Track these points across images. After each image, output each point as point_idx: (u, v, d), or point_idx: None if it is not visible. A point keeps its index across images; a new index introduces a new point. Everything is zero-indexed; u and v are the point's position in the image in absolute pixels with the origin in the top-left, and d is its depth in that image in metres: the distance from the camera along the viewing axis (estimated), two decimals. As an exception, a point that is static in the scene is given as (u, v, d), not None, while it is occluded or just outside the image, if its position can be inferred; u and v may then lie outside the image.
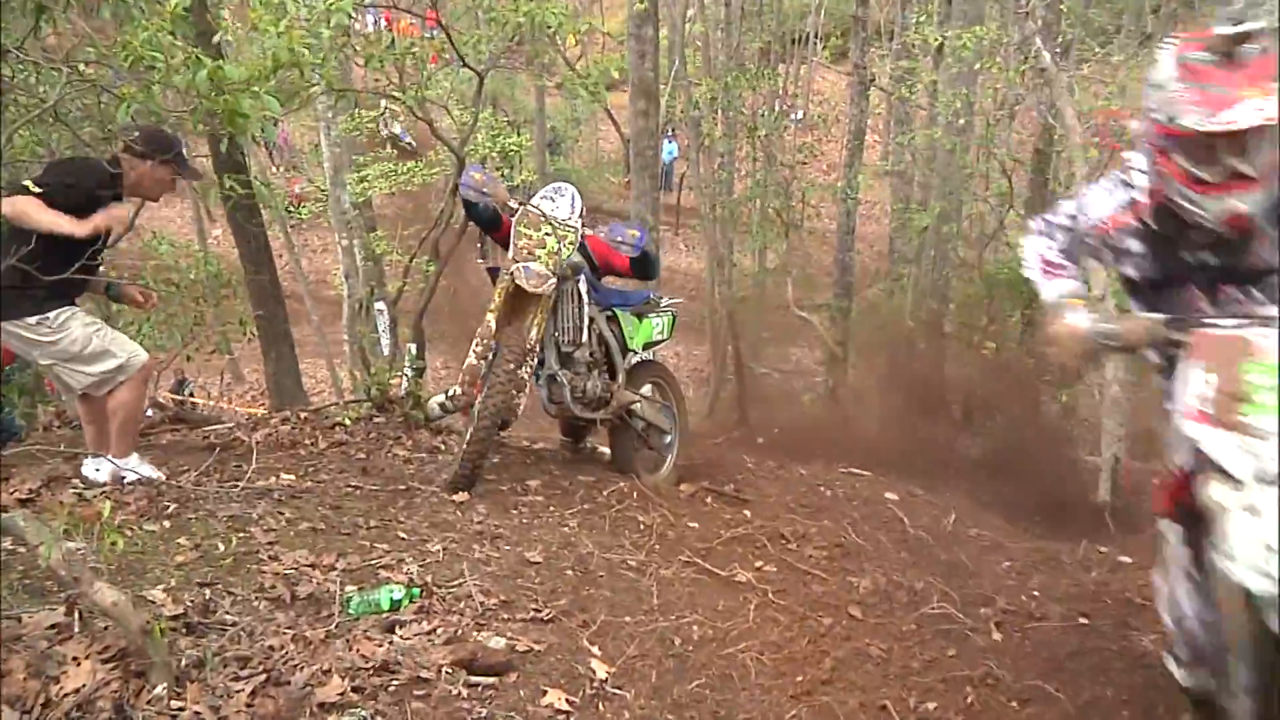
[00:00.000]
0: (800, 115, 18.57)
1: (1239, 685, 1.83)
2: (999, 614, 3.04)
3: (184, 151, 3.19)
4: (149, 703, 1.75)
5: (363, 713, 1.86)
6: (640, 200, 6.88)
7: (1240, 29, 1.77)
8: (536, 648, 2.26)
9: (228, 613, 2.16)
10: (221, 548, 2.54)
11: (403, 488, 3.42)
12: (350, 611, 2.31)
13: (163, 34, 2.15)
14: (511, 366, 3.43)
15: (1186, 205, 1.87)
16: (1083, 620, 3.04)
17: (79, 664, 1.79)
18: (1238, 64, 1.75)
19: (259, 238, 5.66)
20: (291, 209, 12.05)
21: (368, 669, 2.00)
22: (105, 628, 1.88)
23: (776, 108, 14.32)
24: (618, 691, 2.22)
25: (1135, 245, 2.11)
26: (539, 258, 3.59)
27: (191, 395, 10.06)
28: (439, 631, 2.24)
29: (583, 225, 3.77)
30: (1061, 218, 2.31)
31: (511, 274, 3.56)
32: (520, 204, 3.73)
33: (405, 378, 4.71)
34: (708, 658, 2.54)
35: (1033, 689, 2.56)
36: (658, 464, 4.30)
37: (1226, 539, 1.70)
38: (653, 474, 4.17)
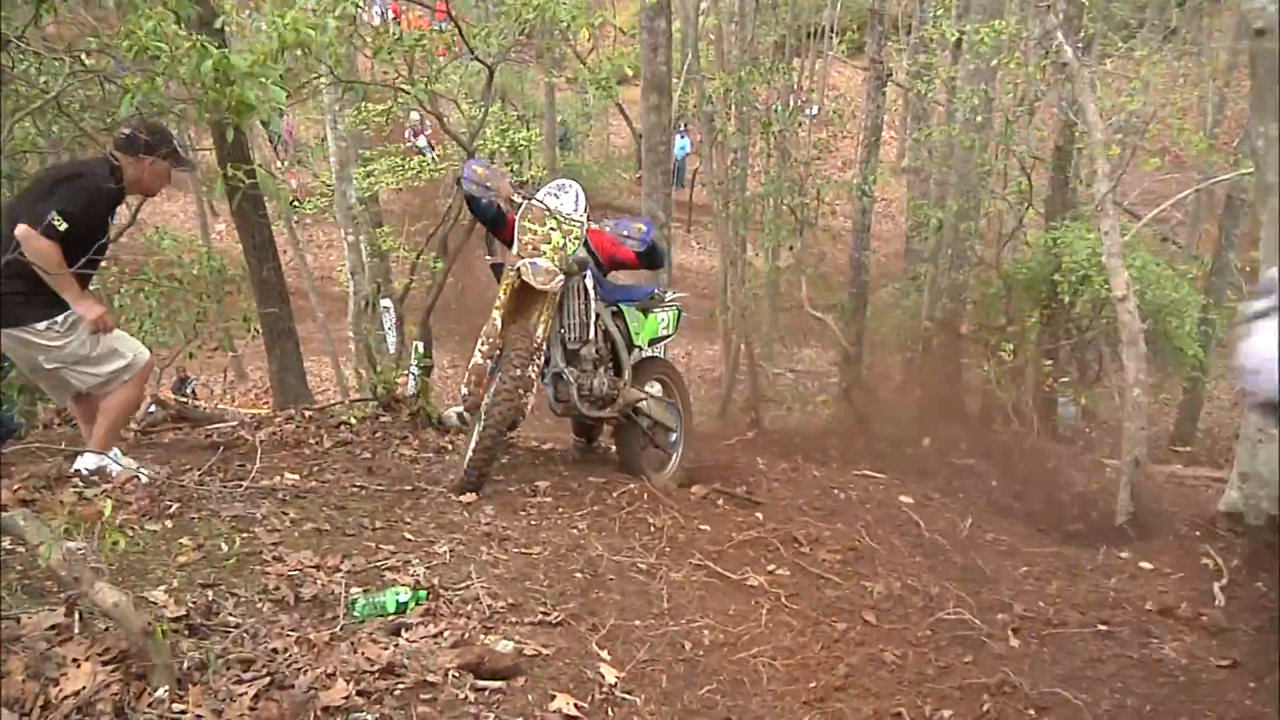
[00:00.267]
0: (815, 111, 18.41)
1: None
2: (1016, 620, 3.01)
3: (178, 144, 3.17)
4: (150, 705, 1.72)
5: (368, 717, 1.83)
6: (652, 197, 6.82)
7: None
8: (545, 651, 2.23)
9: (231, 614, 2.14)
10: (225, 548, 2.51)
11: (409, 488, 3.39)
12: (355, 614, 2.28)
13: (167, 23, 2.12)
14: (519, 370, 3.37)
15: None
16: (1102, 627, 3.00)
17: (79, 666, 1.77)
18: None
19: (263, 231, 5.59)
20: (297, 203, 12.04)
21: (373, 672, 1.97)
22: (106, 629, 1.86)
23: (791, 103, 14.19)
24: (627, 696, 2.19)
25: None
26: (544, 253, 3.54)
27: (194, 394, 10.05)
28: (445, 634, 2.21)
29: (587, 219, 3.71)
30: None
31: (518, 270, 3.50)
32: (524, 198, 3.67)
33: (412, 376, 4.67)
34: (719, 663, 2.50)
35: (1051, 697, 2.53)
36: (664, 462, 4.26)
37: None
38: (659, 472, 4.12)
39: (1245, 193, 9.25)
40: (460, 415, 4.25)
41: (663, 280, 6.47)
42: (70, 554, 1.84)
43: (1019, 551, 3.74)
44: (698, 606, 2.79)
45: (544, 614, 2.46)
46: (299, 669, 1.94)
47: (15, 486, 2.76)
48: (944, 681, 2.58)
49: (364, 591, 2.38)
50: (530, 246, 3.56)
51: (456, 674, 2.02)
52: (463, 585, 2.52)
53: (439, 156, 11.56)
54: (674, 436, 4.32)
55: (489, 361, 3.45)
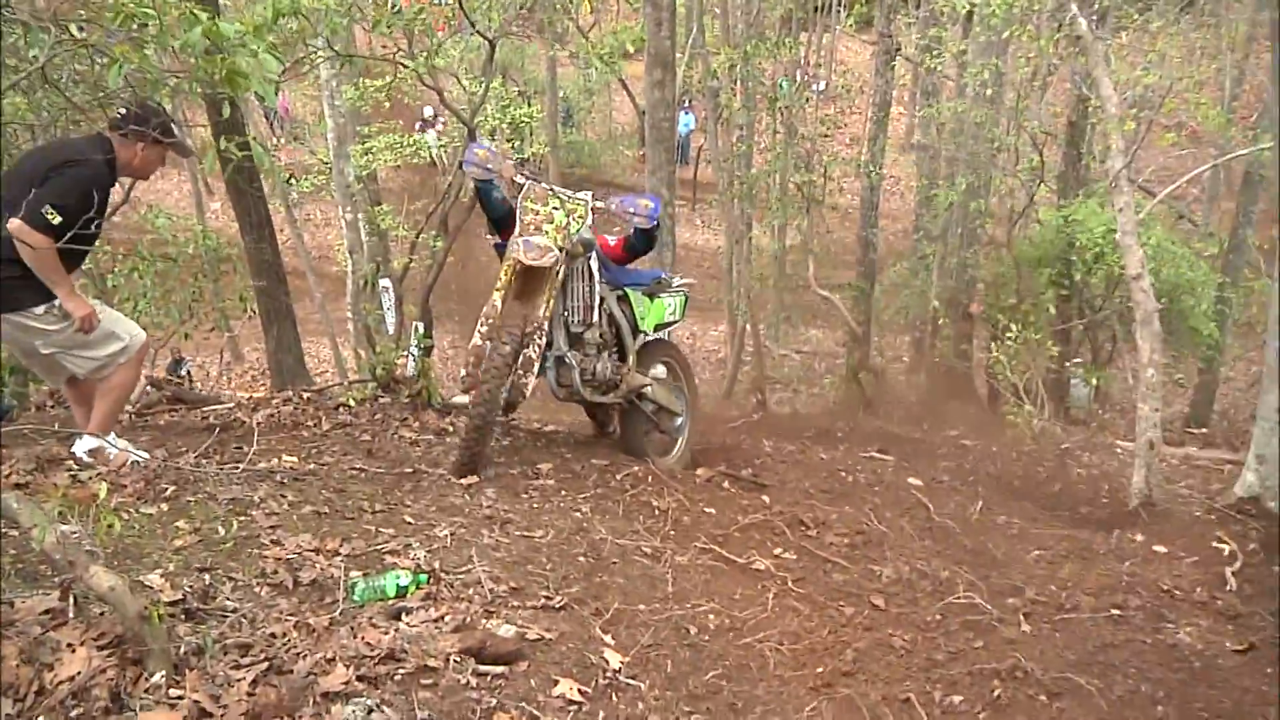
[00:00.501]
0: (823, 86, 18.16)
1: None
2: (1027, 604, 2.98)
3: (175, 126, 3.09)
4: (146, 691, 1.70)
5: (368, 702, 1.80)
6: (655, 174, 6.72)
7: None
8: (547, 636, 2.21)
9: (228, 599, 2.11)
10: (221, 531, 2.49)
11: (409, 470, 3.35)
12: (355, 598, 2.25)
13: (155, -10, 2.05)
14: (508, 349, 3.32)
15: None
16: (1115, 611, 2.97)
17: (74, 651, 1.75)
18: None
19: (260, 209, 5.49)
20: (292, 180, 11.90)
21: (373, 657, 1.95)
22: (101, 613, 1.83)
23: (798, 78, 13.97)
24: (631, 681, 2.17)
25: None
26: (546, 232, 3.47)
27: (189, 375, 9.97)
28: (446, 619, 2.18)
29: (592, 199, 3.64)
30: None
31: (515, 249, 3.44)
32: (527, 178, 3.60)
33: (411, 357, 4.62)
34: (724, 647, 2.48)
35: (1063, 682, 2.51)
36: (669, 447, 4.21)
37: None
38: (664, 457, 4.08)
39: (1264, 169, 9.07)
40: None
41: (666, 260, 6.39)
42: (65, 537, 1.81)
43: (1030, 535, 3.70)
44: (703, 590, 2.76)
45: (547, 598, 2.43)
46: (298, 654, 1.92)
47: (8, 470, 2.73)
48: (953, 667, 2.55)
49: (364, 575, 2.35)
50: (532, 227, 3.50)
51: (458, 659, 2.00)
52: (464, 569, 2.49)
53: (446, 162, 11.40)
54: (679, 421, 4.28)
55: (488, 343, 3.40)
